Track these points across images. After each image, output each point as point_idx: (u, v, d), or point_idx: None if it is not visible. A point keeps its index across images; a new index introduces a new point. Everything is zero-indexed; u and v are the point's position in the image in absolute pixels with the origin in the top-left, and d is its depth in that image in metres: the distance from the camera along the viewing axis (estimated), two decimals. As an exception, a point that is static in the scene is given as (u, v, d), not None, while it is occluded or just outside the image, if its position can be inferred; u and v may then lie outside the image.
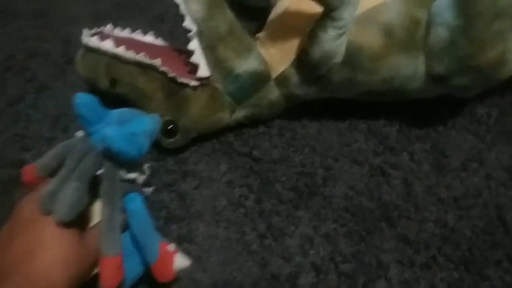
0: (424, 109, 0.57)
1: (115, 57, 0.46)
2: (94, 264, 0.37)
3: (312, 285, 0.44)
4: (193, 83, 0.47)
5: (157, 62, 0.46)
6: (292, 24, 0.49)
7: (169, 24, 0.66)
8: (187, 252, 0.45)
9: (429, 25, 0.46)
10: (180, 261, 0.41)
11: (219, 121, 0.50)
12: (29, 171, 0.39)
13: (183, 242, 0.46)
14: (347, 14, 0.44)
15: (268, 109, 0.52)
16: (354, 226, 0.48)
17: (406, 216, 0.49)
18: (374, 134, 0.56)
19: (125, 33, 0.51)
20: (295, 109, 0.54)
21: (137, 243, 0.39)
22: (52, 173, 0.37)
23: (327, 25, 0.44)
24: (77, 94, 0.36)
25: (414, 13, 0.46)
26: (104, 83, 0.48)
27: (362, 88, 0.50)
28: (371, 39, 0.46)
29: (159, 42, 0.52)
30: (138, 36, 0.52)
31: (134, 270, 0.40)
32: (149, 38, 0.52)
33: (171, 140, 0.49)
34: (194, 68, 0.47)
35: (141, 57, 0.46)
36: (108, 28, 0.50)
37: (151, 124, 0.40)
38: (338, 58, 0.47)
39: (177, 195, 0.49)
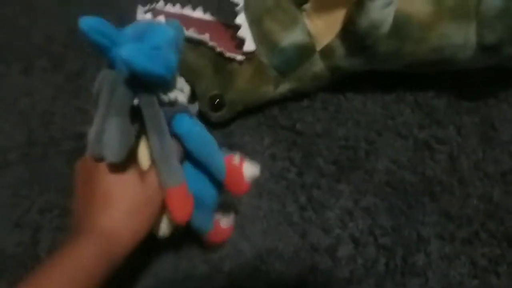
0: (474, 81, 0.55)
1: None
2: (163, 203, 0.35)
3: (350, 257, 0.46)
4: (239, 57, 0.48)
5: (205, 37, 0.47)
6: (338, -5, 0.48)
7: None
8: (232, 222, 0.48)
9: (481, -9, 0.44)
10: (250, 170, 0.38)
11: (264, 94, 0.52)
12: None
13: (228, 211, 0.49)
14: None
15: (313, 82, 0.52)
16: (395, 200, 0.49)
17: (449, 191, 0.49)
18: (421, 107, 0.55)
19: (176, 9, 0.52)
20: (340, 82, 0.54)
21: (202, 165, 0.37)
22: None
23: None
24: (80, 19, 0.31)
25: (467, -21, 0.44)
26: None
27: (410, 58, 0.49)
28: (420, 7, 0.45)
29: (207, 17, 0.53)
30: (187, 11, 0.53)
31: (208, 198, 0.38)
32: (198, 13, 0.53)
33: (218, 114, 0.51)
34: (240, 42, 0.48)
35: (191, 32, 0.47)
36: (160, 4, 0.51)
37: (171, 32, 0.34)
38: (386, 27, 0.46)
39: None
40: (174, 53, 0.34)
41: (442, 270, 0.45)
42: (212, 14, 0.54)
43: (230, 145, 0.53)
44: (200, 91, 0.50)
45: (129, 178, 0.34)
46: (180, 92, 0.37)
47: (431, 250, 0.46)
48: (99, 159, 0.33)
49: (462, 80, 0.55)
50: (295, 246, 0.46)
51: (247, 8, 0.46)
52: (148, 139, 0.34)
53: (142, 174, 0.34)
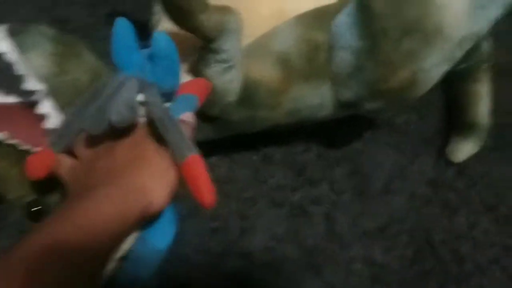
0: (341, 126, 0.52)
1: None
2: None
3: None
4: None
5: (3, 135, 0.35)
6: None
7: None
8: None
9: (330, 49, 0.39)
10: None
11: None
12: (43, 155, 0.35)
13: None
14: (229, 45, 0.36)
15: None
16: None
17: (332, 259, 0.45)
18: (290, 165, 0.50)
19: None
20: (202, 146, 0.47)
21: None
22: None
23: (209, 59, 0.36)
24: (119, 20, 0.33)
25: (312, 37, 0.39)
26: None
27: (267, 123, 0.43)
28: (267, 72, 0.39)
29: (9, 99, 0.41)
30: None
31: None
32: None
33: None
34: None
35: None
36: None
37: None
38: (232, 96, 0.39)
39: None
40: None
41: None
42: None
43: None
44: (12, 199, 0.38)
45: (155, 147, 0.34)
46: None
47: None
48: (101, 131, 0.32)
49: (328, 127, 0.51)
50: None
51: (54, 93, 0.36)
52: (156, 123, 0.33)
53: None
